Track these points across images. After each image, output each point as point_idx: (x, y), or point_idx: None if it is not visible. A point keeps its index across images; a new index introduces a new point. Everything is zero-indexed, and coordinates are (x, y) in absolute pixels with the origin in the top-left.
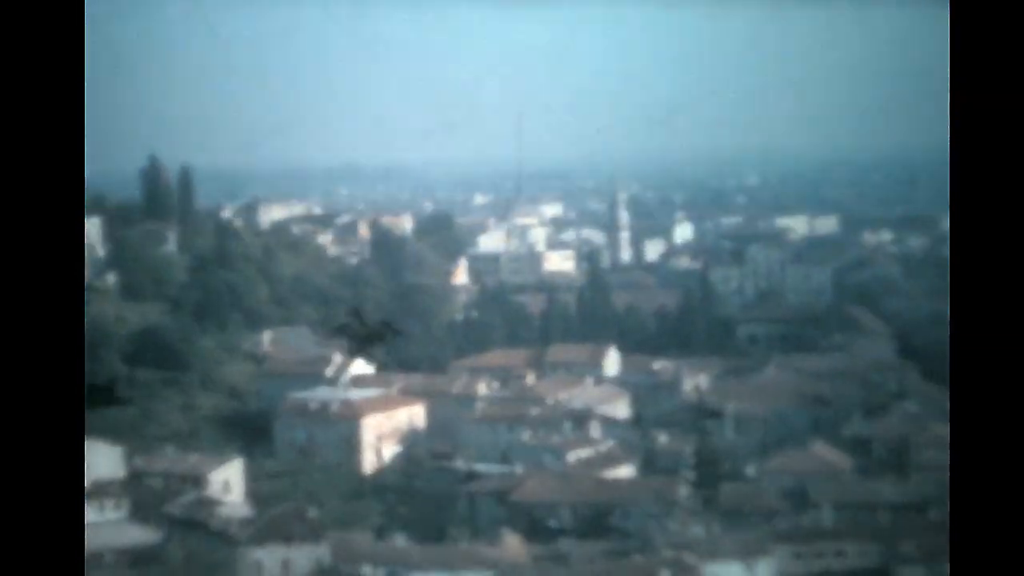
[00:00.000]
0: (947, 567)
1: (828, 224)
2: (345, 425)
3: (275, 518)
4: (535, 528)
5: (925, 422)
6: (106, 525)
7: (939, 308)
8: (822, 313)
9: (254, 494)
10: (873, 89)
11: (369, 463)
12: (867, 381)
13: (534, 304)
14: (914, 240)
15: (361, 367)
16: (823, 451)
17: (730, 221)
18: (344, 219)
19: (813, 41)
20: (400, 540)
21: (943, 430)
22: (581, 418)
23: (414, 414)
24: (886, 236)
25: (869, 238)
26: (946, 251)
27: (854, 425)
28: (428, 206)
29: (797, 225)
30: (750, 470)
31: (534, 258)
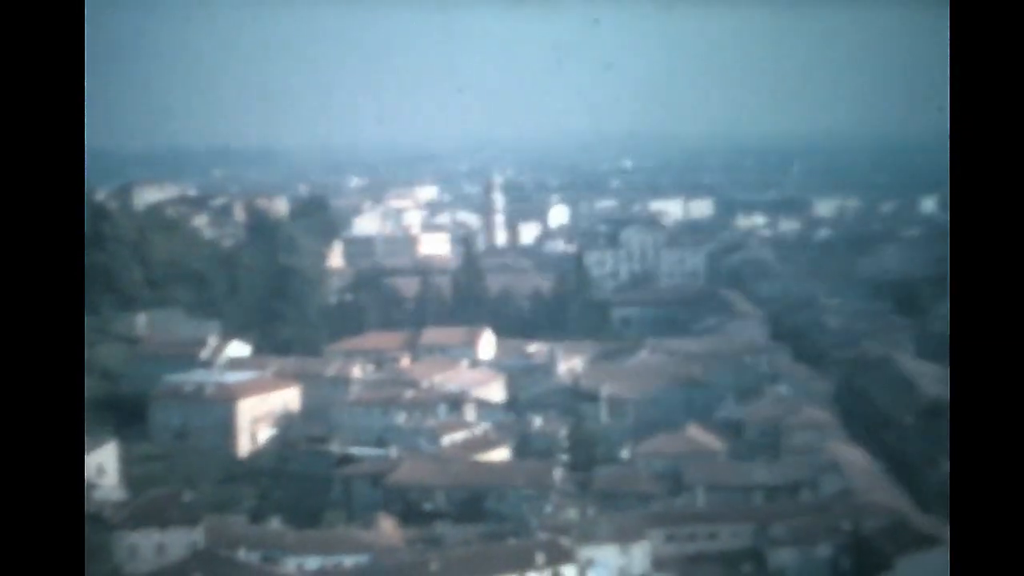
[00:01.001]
0: (819, 549)
1: (702, 208)
2: (220, 408)
3: (150, 502)
4: (410, 511)
5: (797, 404)
6: None
7: (810, 291)
8: (695, 296)
9: (128, 478)
10: (748, 77)
11: (244, 446)
12: (740, 364)
13: (409, 287)
14: (786, 224)
15: (236, 350)
16: (696, 434)
17: (605, 205)
18: (219, 201)
19: (696, 30)
20: (275, 524)
21: (815, 412)
22: (456, 401)
23: (289, 397)
24: (759, 220)
25: (742, 222)
26: (817, 234)
27: (727, 408)
28: (303, 189)
29: (671, 209)
30: (624, 453)
31: (409, 241)
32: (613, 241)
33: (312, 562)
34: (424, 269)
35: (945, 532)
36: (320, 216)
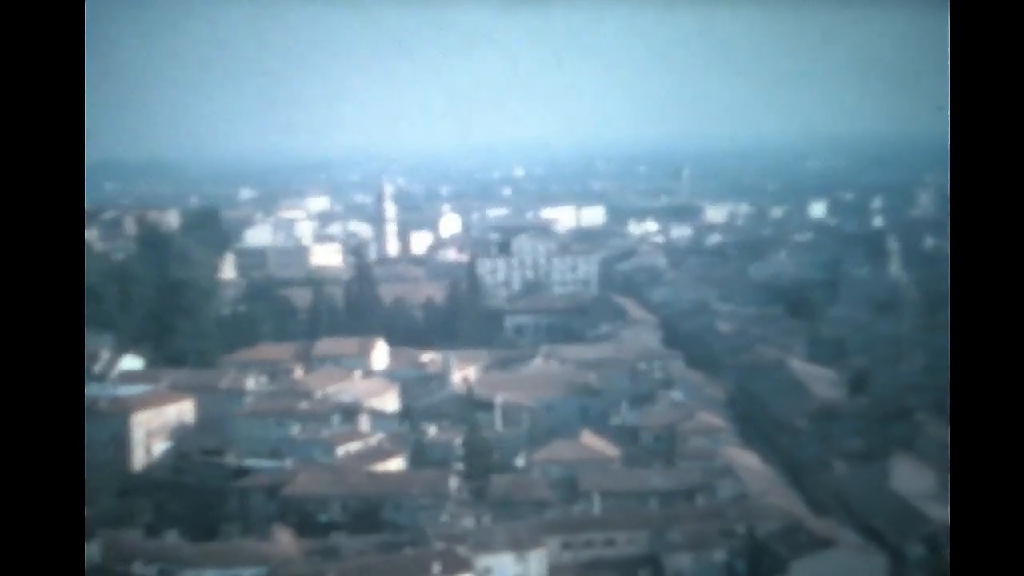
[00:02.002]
0: (715, 554)
1: (594, 215)
2: (114, 421)
3: None
4: (306, 523)
5: (691, 410)
6: None
7: (703, 296)
8: (589, 303)
9: None
10: (637, 83)
11: (139, 460)
12: (634, 370)
13: (301, 298)
14: (678, 230)
15: (129, 363)
16: (591, 440)
17: (496, 213)
18: (109, 215)
19: (579, 37)
20: (171, 537)
21: (709, 417)
22: (350, 411)
23: (183, 410)
24: (651, 226)
25: (634, 228)
26: (708, 240)
27: (622, 414)
28: (194, 201)
29: (563, 216)
30: (519, 461)
31: (301, 252)
32: (505, 249)
33: (209, 575)
34: (316, 280)
35: (839, 534)
36: (212, 228)
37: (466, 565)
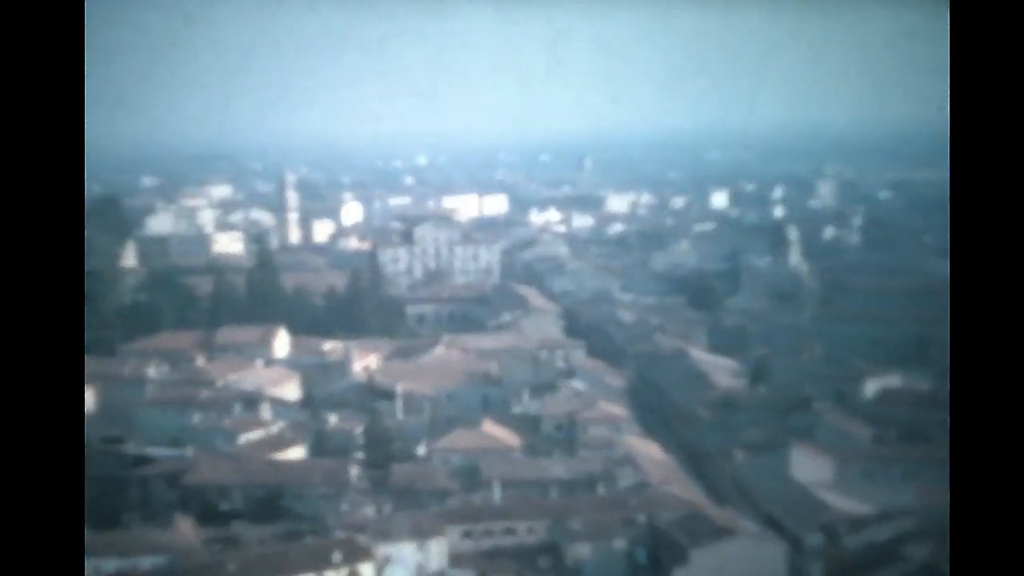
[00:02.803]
0: (615, 542)
1: (496, 204)
2: None
3: None
4: (207, 511)
5: (592, 399)
6: None
7: (604, 286)
8: (490, 292)
9: None
10: (544, 74)
11: None
12: (535, 359)
13: (203, 286)
14: (579, 220)
15: None
16: (492, 429)
17: (398, 202)
18: None
19: (482, 28)
20: None
21: (610, 407)
22: (251, 400)
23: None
24: (553, 216)
25: (536, 218)
26: (610, 230)
27: (523, 403)
28: (95, 188)
29: (465, 205)
30: (420, 450)
31: (202, 240)
32: (407, 238)
33: (109, 564)
34: (218, 268)
35: (739, 522)
36: (113, 216)
37: (367, 554)
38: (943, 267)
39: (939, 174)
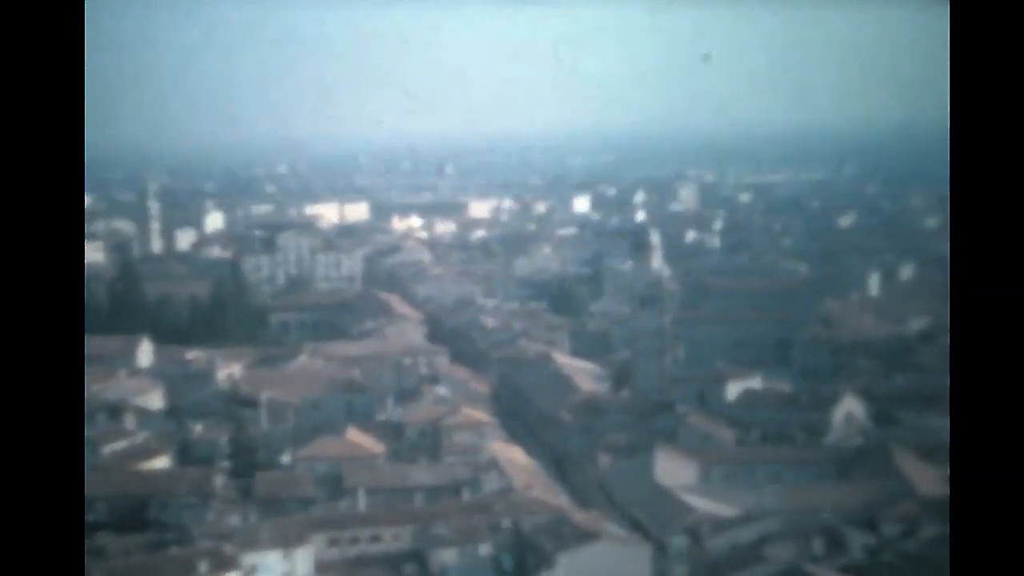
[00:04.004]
0: (481, 548)
1: (358, 211)
2: None
3: None
4: None
5: (456, 405)
6: None
7: (467, 292)
8: (353, 300)
9: None
10: (401, 79)
11: None
12: (399, 366)
13: None
14: (442, 225)
15: None
16: (357, 437)
17: (260, 210)
18: None
19: (335, 31)
20: None
21: (474, 412)
22: (115, 410)
23: None
24: (415, 222)
25: (398, 224)
26: (472, 235)
27: (387, 410)
28: None
29: (327, 213)
30: (285, 458)
31: None
32: (269, 246)
33: None
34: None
35: (603, 526)
36: None
37: (232, 563)
38: (802, 268)
39: (796, 176)
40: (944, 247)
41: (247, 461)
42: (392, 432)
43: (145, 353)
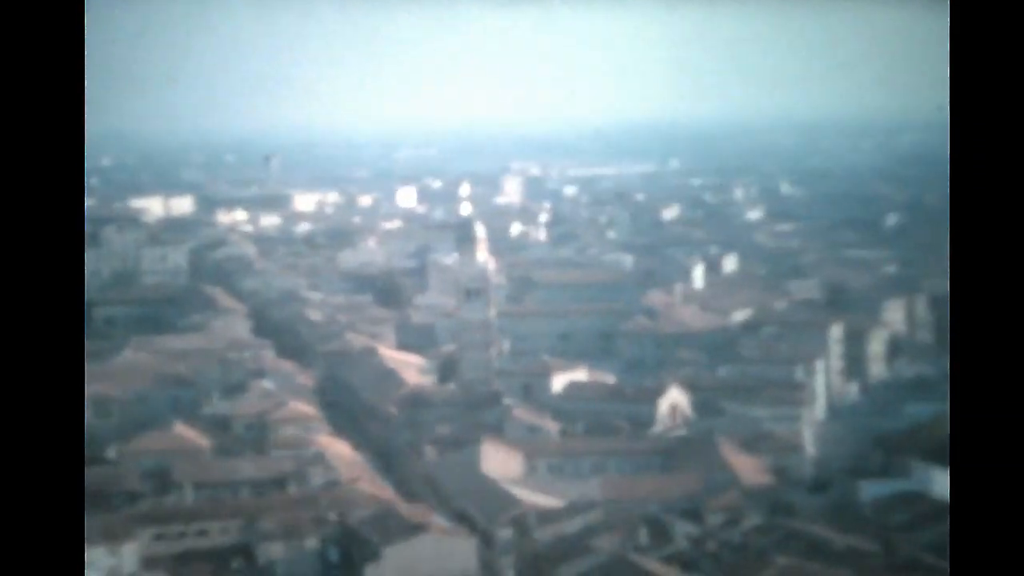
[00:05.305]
0: (308, 541)
1: (183, 205)
2: None
3: None
4: None
5: (282, 399)
6: None
7: (292, 285)
8: (179, 293)
9: None
10: (224, 70)
11: None
12: (225, 360)
13: None
14: (267, 219)
15: None
16: (183, 431)
17: (85, 204)
18: None
19: (167, 24)
20: None
21: (300, 406)
22: None
23: None
24: (240, 216)
25: (223, 218)
26: (297, 229)
27: (213, 404)
28: None
29: (152, 206)
30: (111, 453)
31: None
32: (94, 240)
33: None
34: None
35: (430, 518)
36: None
37: None
38: (627, 261)
39: (622, 169)
40: (765, 239)
41: None
42: (218, 426)
43: None
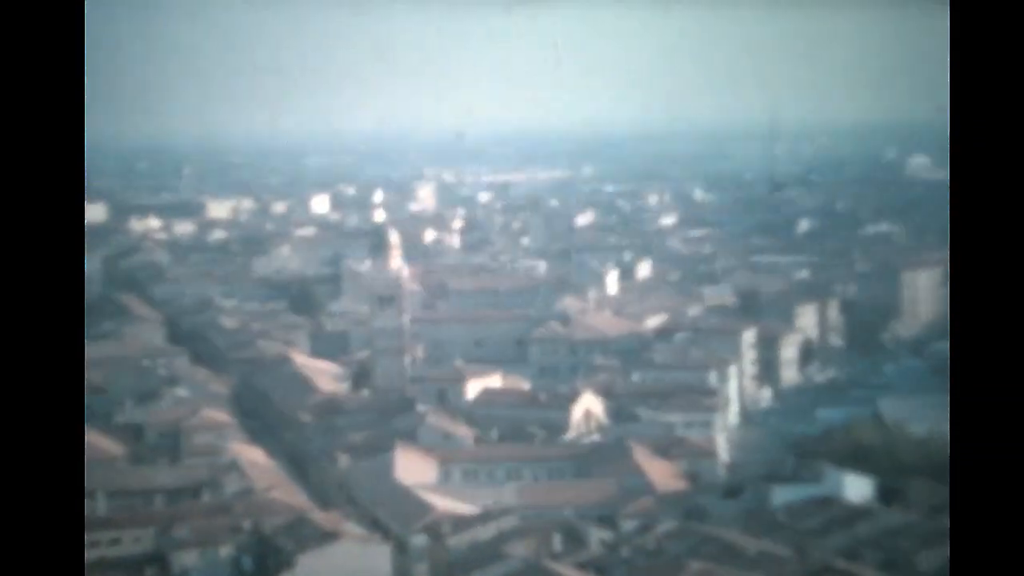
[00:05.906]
0: (222, 549)
1: (95, 212)
2: None
3: None
4: None
5: (196, 406)
6: None
7: (206, 292)
8: (91, 301)
9: None
10: (134, 78)
11: None
12: (138, 367)
13: None
14: (180, 226)
15: None
16: (96, 439)
17: None
18: None
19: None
20: None
21: (214, 413)
22: None
23: None
24: (153, 223)
25: (136, 225)
26: (211, 236)
27: (126, 412)
28: None
29: None
30: None
31: None
32: None
33: None
34: None
35: (344, 526)
36: None
37: None
38: (540, 267)
39: (536, 175)
40: (679, 245)
41: None
42: (132, 434)
43: None
